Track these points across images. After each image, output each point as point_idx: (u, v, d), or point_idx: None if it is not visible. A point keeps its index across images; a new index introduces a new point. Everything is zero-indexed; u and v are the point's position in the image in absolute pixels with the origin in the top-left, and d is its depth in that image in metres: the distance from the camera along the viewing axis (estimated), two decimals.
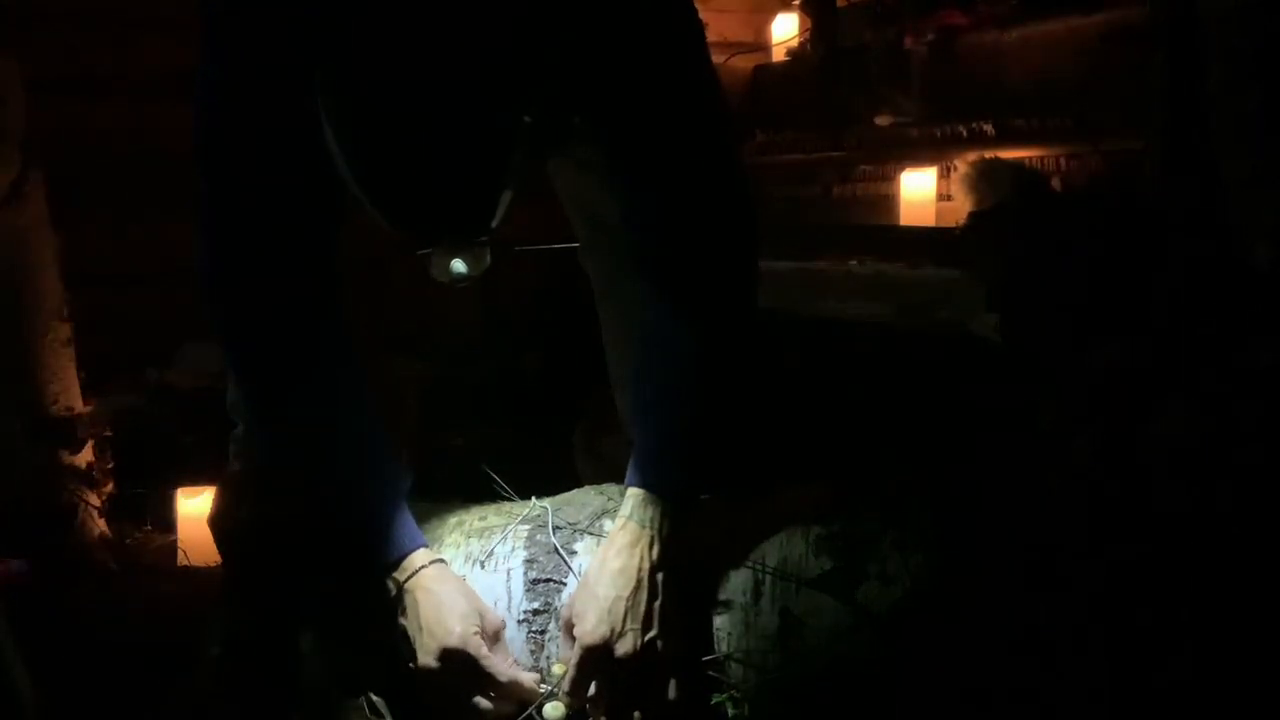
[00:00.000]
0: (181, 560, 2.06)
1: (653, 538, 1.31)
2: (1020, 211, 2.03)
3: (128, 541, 2.12)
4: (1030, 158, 2.22)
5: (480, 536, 1.42)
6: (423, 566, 1.32)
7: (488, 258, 1.17)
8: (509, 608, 1.36)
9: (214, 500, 1.63)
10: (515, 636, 1.35)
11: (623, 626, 1.27)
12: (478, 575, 1.38)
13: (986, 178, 2.20)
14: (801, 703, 1.26)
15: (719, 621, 1.33)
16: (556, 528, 1.41)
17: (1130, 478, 1.39)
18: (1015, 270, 1.83)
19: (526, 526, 1.42)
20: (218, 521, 1.60)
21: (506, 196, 1.13)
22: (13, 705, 1.31)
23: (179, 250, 1.40)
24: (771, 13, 3.20)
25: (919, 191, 2.39)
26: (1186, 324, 1.58)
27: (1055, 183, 2.16)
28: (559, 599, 1.35)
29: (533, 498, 1.49)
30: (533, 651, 1.35)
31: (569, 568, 1.37)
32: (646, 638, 1.27)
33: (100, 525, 2.08)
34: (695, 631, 1.33)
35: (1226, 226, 1.63)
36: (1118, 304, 1.67)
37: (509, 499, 1.50)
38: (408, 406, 2.25)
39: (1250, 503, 1.30)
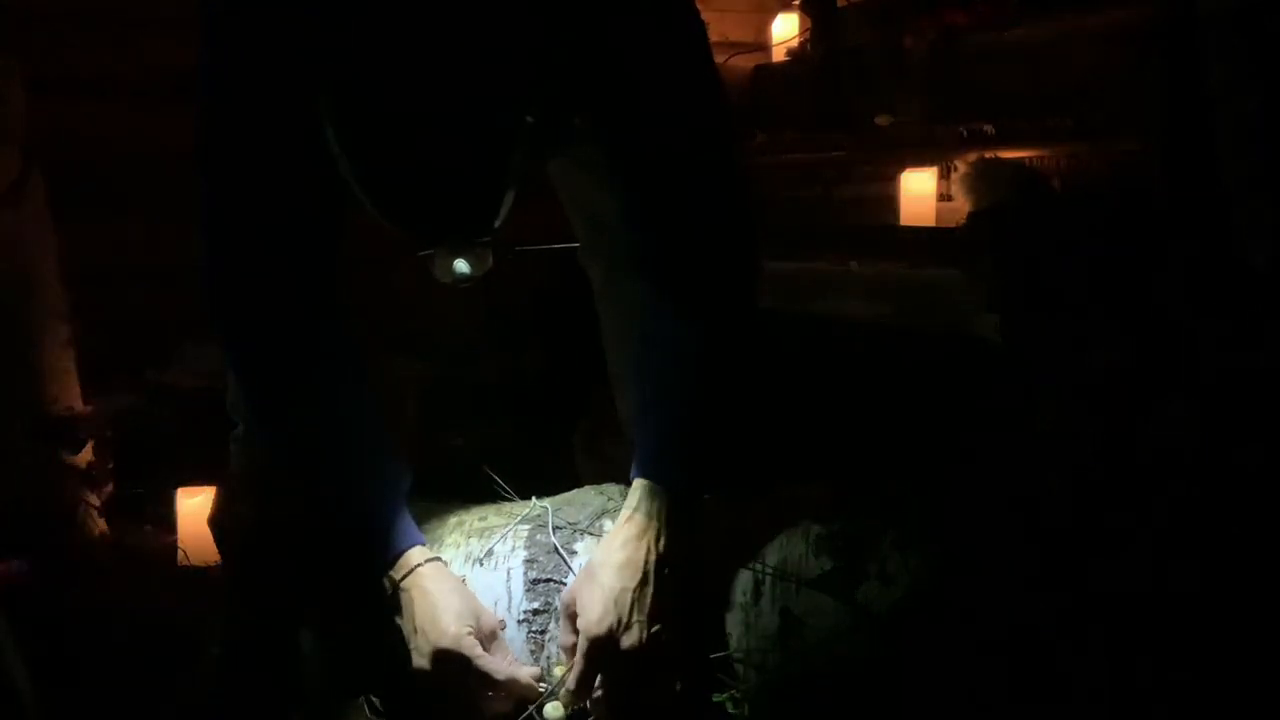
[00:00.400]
0: (181, 560, 2.05)
1: (659, 530, 1.30)
2: (1020, 212, 2.03)
3: (128, 541, 2.12)
4: (1030, 158, 2.22)
5: (480, 536, 1.42)
6: (418, 565, 1.32)
7: (490, 258, 1.17)
8: (509, 608, 1.36)
9: (214, 500, 1.64)
10: (515, 636, 1.35)
11: (629, 619, 1.26)
12: (478, 575, 1.38)
13: (986, 178, 2.20)
14: (801, 703, 1.26)
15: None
16: (556, 528, 1.41)
17: (1130, 478, 1.39)
18: (1015, 270, 1.83)
19: (526, 526, 1.42)
20: (218, 521, 1.61)
21: (509, 197, 1.14)
22: (13, 705, 1.31)
23: (179, 250, 1.40)
24: (772, 13, 3.20)
25: (919, 192, 2.39)
26: (1186, 324, 1.58)
27: (1055, 183, 2.16)
28: (559, 599, 1.35)
29: (533, 498, 1.49)
30: (533, 651, 1.34)
31: (569, 568, 1.37)
32: (651, 631, 1.27)
33: (100, 525, 2.08)
34: (699, 628, 1.32)
35: (1226, 226, 1.63)
36: (1118, 304, 1.67)
37: (509, 499, 1.50)
38: (408, 406, 2.25)
39: (1250, 503, 1.30)
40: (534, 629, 1.35)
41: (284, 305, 1.34)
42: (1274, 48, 1.58)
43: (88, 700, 1.51)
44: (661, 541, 1.30)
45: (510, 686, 1.28)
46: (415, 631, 1.29)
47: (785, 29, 3.13)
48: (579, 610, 1.28)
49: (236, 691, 1.42)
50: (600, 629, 1.26)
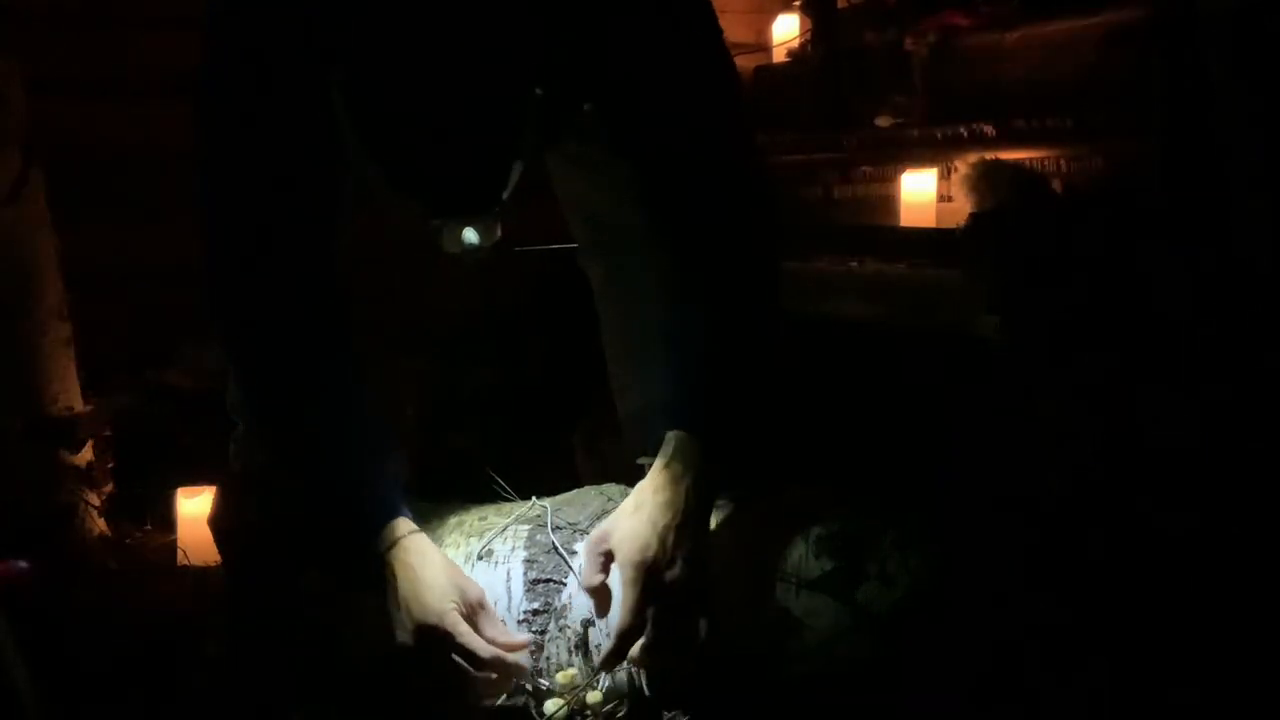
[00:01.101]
0: (181, 560, 2.05)
1: (696, 479, 1.28)
2: (1020, 212, 2.04)
3: (128, 541, 2.12)
4: (1030, 159, 2.22)
5: (480, 536, 1.42)
6: (401, 537, 1.30)
7: (498, 229, 1.17)
8: (509, 608, 1.36)
9: (214, 500, 1.64)
10: None
11: (672, 554, 1.24)
12: (477, 575, 1.38)
13: (987, 179, 2.20)
14: (801, 703, 1.26)
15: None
16: (556, 528, 1.41)
17: (1130, 478, 1.39)
18: (1016, 271, 1.83)
19: (526, 526, 1.42)
20: (218, 521, 1.61)
21: (517, 168, 1.15)
22: (13, 705, 1.31)
23: (179, 250, 1.40)
24: (772, 13, 3.20)
25: (919, 192, 2.39)
26: (1186, 324, 1.58)
27: (1055, 183, 2.16)
28: (559, 599, 1.35)
29: (533, 498, 1.49)
30: (532, 652, 1.34)
31: (569, 568, 1.37)
32: (692, 570, 1.24)
33: (100, 525, 2.08)
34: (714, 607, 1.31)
35: (1227, 227, 1.63)
36: (1118, 305, 1.67)
37: (509, 499, 1.50)
38: (408, 406, 2.25)
39: (1250, 503, 1.30)
40: (534, 629, 1.35)
41: (284, 305, 1.34)
42: (1274, 48, 1.58)
43: (88, 700, 1.51)
44: (697, 490, 1.28)
45: (496, 666, 1.26)
46: (398, 608, 1.27)
47: (785, 29, 3.13)
48: (617, 544, 1.25)
49: (237, 691, 1.42)
50: (645, 556, 1.23)
